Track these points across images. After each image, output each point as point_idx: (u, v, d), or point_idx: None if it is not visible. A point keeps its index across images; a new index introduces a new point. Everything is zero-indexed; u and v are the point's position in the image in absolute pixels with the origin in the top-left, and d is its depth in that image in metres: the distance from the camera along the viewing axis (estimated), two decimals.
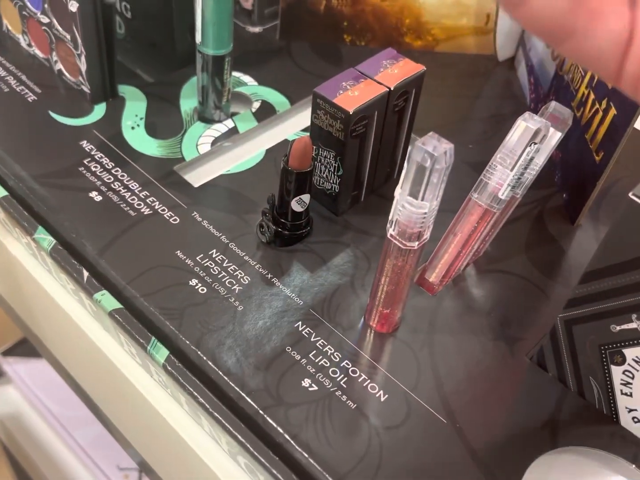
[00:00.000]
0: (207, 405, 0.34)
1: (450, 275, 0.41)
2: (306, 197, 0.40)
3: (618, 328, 0.32)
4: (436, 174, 0.30)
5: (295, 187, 0.39)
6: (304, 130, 0.48)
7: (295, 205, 0.40)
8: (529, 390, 0.36)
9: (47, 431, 0.85)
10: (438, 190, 0.31)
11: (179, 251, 0.40)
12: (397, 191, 0.32)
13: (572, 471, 0.34)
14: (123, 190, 0.43)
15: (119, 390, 0.40)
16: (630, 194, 0.29)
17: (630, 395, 0.33)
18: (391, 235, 0.33)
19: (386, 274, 0.35)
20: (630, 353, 0.32)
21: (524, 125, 0.36)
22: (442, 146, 0.30)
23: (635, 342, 0.32)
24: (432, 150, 0.29)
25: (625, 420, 0.34)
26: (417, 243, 0.33)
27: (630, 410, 0.34)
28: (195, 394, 0.34)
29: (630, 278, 0.30)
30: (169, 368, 0.35)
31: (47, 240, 0.40)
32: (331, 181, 0.42)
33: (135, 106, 0.48)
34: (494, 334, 0.38)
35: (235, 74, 0.52)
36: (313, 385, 0.35)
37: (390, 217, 0.33)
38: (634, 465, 0.33)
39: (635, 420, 0.34)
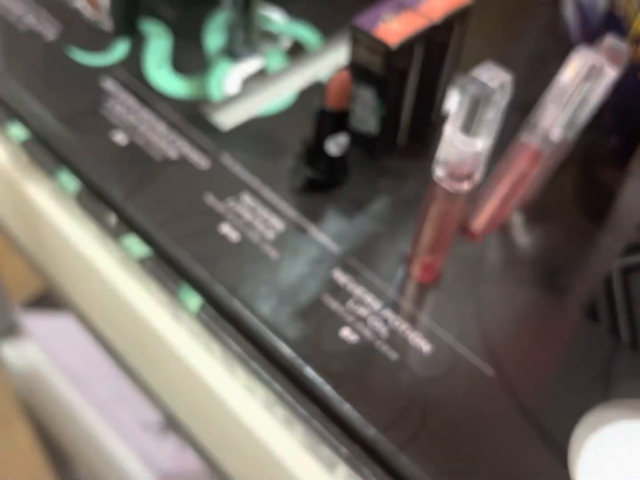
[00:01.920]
0: (244, 354, 0.33)
1: (495, 223, 0.39)
2: (343, 140, 0.37)
3: None
4: (492, 109, 0.28)
5: (332, 128, 0.37)
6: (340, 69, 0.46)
7: (332, 148, 0.37)
8: (580, 343, 0.34)
9: (68, 387, 0.85)
10: (492, 127, 0.29)
11: (209, 196, 0.38)
12: (447, 127, 0.29)
13: (626, 425, 0.32)
14: (149, 133, 0.41)
15: (148, 342, 0.39)
16: None
17: None
18: (438, 176, 0.31)
19: (430, 220, 0.33)
20: None
21: (580, 60, 0.33)
22: (499, 77, 0.27)
23: None
24: (487, 81, 0.27)
25: None
26: (466, 185, 0.31)
27: None
28: (231, 342, 0.33)
29: None
30: (203, 315, 0.33)
31: (72, 183, 0.38)
32: (369, 123, 0.40)
33: (159, 44, 0.46)
34: (542, 284, 0.36)
35: (265, 10, 0.49)
36: (352, 334, 0.33)
37: (437, 156, 0.31)
38: None
39: None
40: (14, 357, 0.88)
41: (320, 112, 0.36)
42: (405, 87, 0.39)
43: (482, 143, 0.29)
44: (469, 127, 0.28)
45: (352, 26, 0.37)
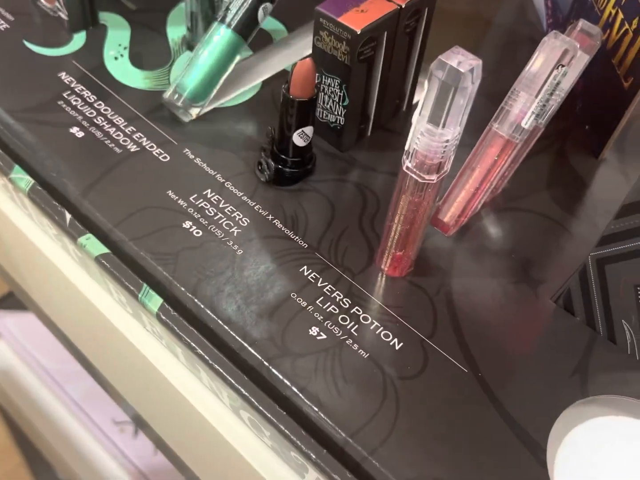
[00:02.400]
0: (205, 356, 0.31)
1: (467, 214, 0.38)
2: (309, 130, 0.36)
3: None
4: (461, 95, 0.27)
5: (297, 118, 0.35)
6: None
7: (298, 140, 0.36)
8: (556, 336, 0.33)
9: (39, 386, 0.83)
10: (462, 115, 0.28)
11: (170, 191, 0.36)
12: (415, 116, 0.28)
13: (604, 422, 0.31)
14: (107, 126, 0.39)
15: (110, 342, 0.37)
16: None
17: None
18: (407, 167, 0.30)
19: (400, 212, 0.32)
20: None
21: (551, 45, 0.32)
22: (468, 62, 0.26)
23: None
24: (457, 66, 0.26)
25: None
26: (436, 176, 0.30)
27: None
28: (193, 344, 0.31)
29: None
30: (163, 317, 0.32)
31: (25, 180, 0.36)
32: (336, 113, 0.38)
33: (118, 35, 0.44)
34: (516, 276, 0.35)
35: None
36: (321, 333, 0.32)
37: (406, 147, 0.29)
38: None
39: None
40: None
41: (284, 102, 0.35)
42: (372, 76, 0.37)
43: (451, 132, 0.28)
44: (438, 115, 0.27)
45: (317, 12, 0.35)
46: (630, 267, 0.30)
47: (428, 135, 0.28)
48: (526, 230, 0.37)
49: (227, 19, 0.39)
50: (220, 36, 0.39)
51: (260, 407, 0.30)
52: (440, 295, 0.34)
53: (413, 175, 0.30)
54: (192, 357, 0.32)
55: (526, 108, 0.34)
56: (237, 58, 0.40)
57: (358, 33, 0.34)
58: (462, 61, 0.26)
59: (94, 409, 0.81)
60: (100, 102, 0.40)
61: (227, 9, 0.39)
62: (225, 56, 0.40)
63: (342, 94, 0.37)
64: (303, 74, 0.34)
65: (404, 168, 0.30)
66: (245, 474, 0.32)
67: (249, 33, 0.40)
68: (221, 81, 0.40)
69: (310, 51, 0.37)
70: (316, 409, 0.29)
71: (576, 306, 0.33)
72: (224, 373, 0.31)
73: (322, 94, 0.38)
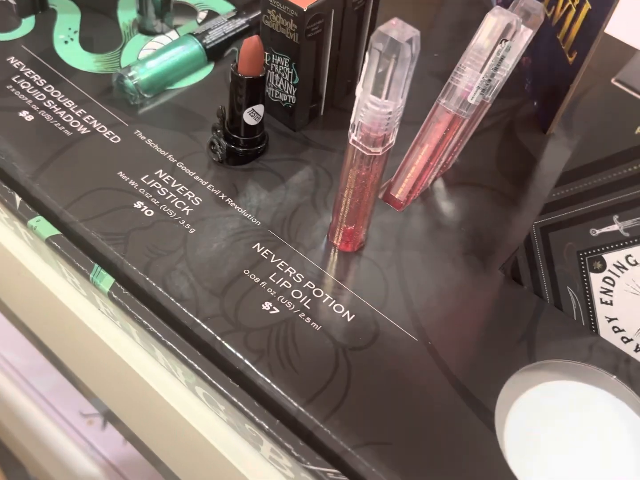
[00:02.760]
0: (158, 334, 0.31)
1: (417, 190, 0.38)
2: (259, 108, 0.36)
3: (598, 232, 0.30)
4: (401, 66, 0.27)
5: (247, 96, 0.35)
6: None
7: (248, 118, 0.36)
8: (503, 305, 0.34)
9: (4, 380, 0.82)
10: (403, 87, 0.28)
11: (121, 172, 0.36)
12: (358, 90, 0.29)
13: (551, 386, 0.32)
14: (57, 109, 0.39)
15: (65, 325, 0.37)
16: (612, 80, 0.26)
17: (611, 303, 0.32)
18: (353, 141, 0.30)
19: (349, 187, 0.32)
20: (610, 258, 0.30)
21: (494, 20, 0.33)
22: (407, 33, 0.26)
23: (617, 245, 0.30)
24: (396, 38, 0.26)
25: (605, 330, 0.33)
26: (381, 148, 0.30)
27: (610, 320, 0.32)
28: (145, 322, 0.31)
29: (611, 175, 0.28)
30: (115, 296, 0.32)
31: None
32: (287, 92, 0.38)
33: (67, 18, 0.44)
34: (465, 248, 0.36)
35: None
36: (274, 308, 0.32)
37: (352, 121, 0.30)
38: (614, 377, 0.32)
39: (616, 330, 0.32)
40: None
41: (234, 80, 0.35)
42: (321, 54, 0.38)
43: (394, 104, 0.28)
44: (379, 87, 0.28)
45: None
46: (572, 233, 0.31)
47: (371, 108, 0.28)
48: (476, 203, 0.38)
49: (204, 41, 0.42)
50: (191, 50, 0.42)
51: (214, 382, 0.30)
52: (392, 269, 0.34)
53: (359, 149, 0.30)
54: (147, 337, 0.32)
55: (472, 83, 0.35)
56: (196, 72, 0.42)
57: (304, 10, 0.34)
58: (401, 33, 0.26)
59: (61, 402, 0.80)
60: (50, 85, 0.40)
61: (207, 32, 0.42)
62: (188, 66, 0.42)
63: (292, 73, 0.37)
64: (250, 51, 0.34)
65: (350, 141, 0.30)
66: (203, 450, 0.33)
67: (215, 57, 0.43)
68: (174, 84, 0.41)
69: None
70: (269, 380, 0.30)
71: (523, 275, 0.34)
72: (177, 349, 0.31)
73: (273, 72, 0.38)
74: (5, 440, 0.86)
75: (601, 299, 0.32)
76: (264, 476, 0.31)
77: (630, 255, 0.30)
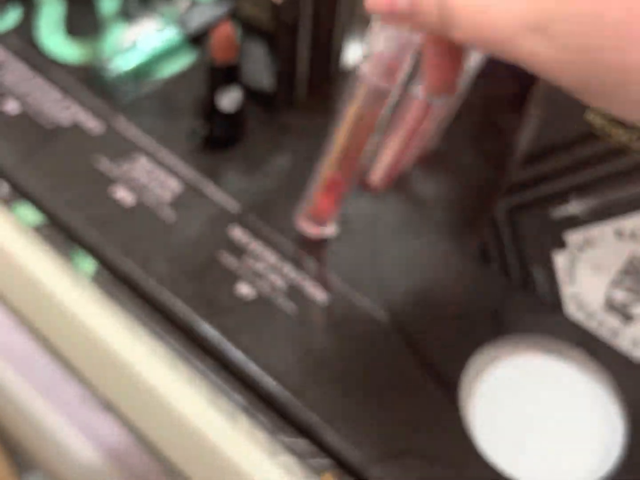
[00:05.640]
0: (142, 315, 0.33)
1: (393, 174, 0.39)
2: (236, 95, 0.37)
3: (558, 212, 0.31)
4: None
5: (221, 83, 0.36)
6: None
7: (225, 104, 0.37)
8: (473, 285, 0.35)
9: (4, 368, 0.84)
10: None
11: (102, 160, 0.37)
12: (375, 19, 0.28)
13: (517, 359, 0.33)
14: (42, 99, 0.40)
15: (51, 309, 0.39)
16: None
17: (574, 281, 0.33)
18: (364, 73, 0.29)
19: (346, 126, 0.31)
20: (571, 237, 0.31)
21: None
22: None
23: (576, 225, 0.31)
24: None
25: (570, 308, 0.34)
26: (392, 83, 0.29)
27: (574, 297, 0.33)
28: (129, 304, 0.33)
29: (567, 157, 0.29)
30: (97, 279, 0.33)
31: None
32: (265, 79, 0.39)
33: (52, 9, 0.45)
34: (439, 228, 0.37)
35: None
36: (250, 289, 0.33)
37: (364, 53, 0.29)
38: (577, 350, 0.33)
39: (580, 306, 0.34)
40: None
41: (209, 67, 0.36)
42: (297, 41, 0.39)
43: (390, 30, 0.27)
44: None
45: None
46: (534, 214, 0.32)
47: (390, 31, 0.28)
48: (452, 186, 0.39)
49: (187, 28, 0.43)
50: (173, 38, 0.42)
51: (193, 359, 0.31)
52: (366, 250, 0.36)
53: (367, 81, 0.29)
54: (131, 317, 0.34)
55: None
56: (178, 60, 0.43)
57: (277, 1, 0.35)
58: None
59: (61, 388, 0.82)
60: (34, 76, 0.41)
61: (189, 18, 0.43)
62: (170, 54, 0.43)
63: (269, 60, 0.38)
64: (222, 38, 0.35)
65: (360, 74, 0.29)
66: (182, 425, 0.34)
67: (197, 43, 0.43)
68: (156, 72, 0.42)
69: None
70: (245, 356, 0.31)
71: (492, 254, 0.35)
72: (159, 330, 0.32)
73: (250, 60, 0.39)
74: (8, 427, 0.88)
75: (564, 277, 0.33)
76: (243, 450, 0.33)
77: (588, 235, 0.31)
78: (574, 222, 0.31)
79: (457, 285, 0.35)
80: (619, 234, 0.30)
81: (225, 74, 0.36)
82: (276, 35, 0.37)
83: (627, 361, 0.33)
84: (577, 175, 0.29)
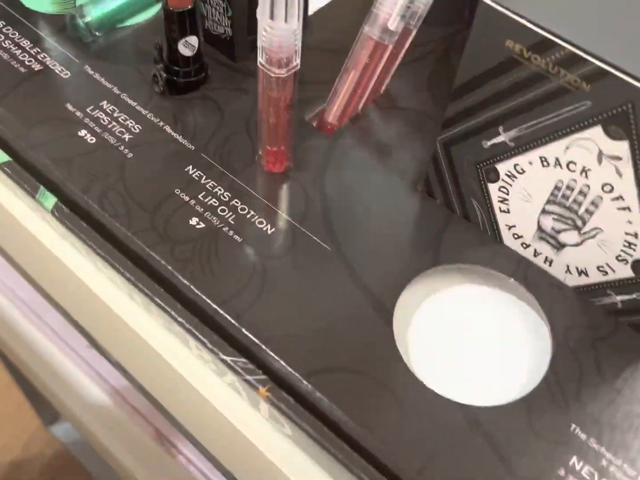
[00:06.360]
0: (98, 248, 0.35)
1: (348, 115, 0.41)
2: (193, 40, 0.39)
3: (489, 143, 0.32)
4: None
5: (179, 29, 0.38)
6: None
7: (183, 50, 0.39)
8: (416, 218, 0.37)
9: (19, 315, 0.88)
10: (298, 9, 0.30)
11: (68, 104, 0.39)
12: (258, 13, 0.31)
13: (452, 288, 0.35)
14: (13, 48, 0.42)
15: (24, 245, 0.41)
16: None
17: (508, 211, 0.34)
18: (260, 63, 0.33)
19: (265, 108, 0.35)
20: (502, 168, 0.33)
21: None
22: None
23: (505, 155, 0.32)
24: None
25: (507, 238, 0.35)
26: (285, 70, 0.33)
27: (510, 227, 0.35)
28: (86, 238, 0.35)
29: (491, 87, 0.30)
30: (58, 215, 0.35)
31: None
32: (223, 24, 0.41)
33: None
34: (388, 167, 0.38)
35: None
36: (201, 223, 0.35)
37: (258, 44, 0.32)
38: (512, 279, 0.35)
39: (516, 236, 0.35)
40: None
41: (165, 13, 0.38)
42: None
43: (286, 26, 0.30)
44: (271, 10, 0.30)
45: None
46: (467, 146, 0.33)
47: (270, 31, 0.31)
48: (403, 127, 0.40)
49: None
50: None
51: (142, 287, 0.34)
52: (316, 187, 0.37)
53: (266, 71, 0.33)
54: (88, 249, 0.36)
55: (391, 10, 0.37)
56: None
57: None
58: None
59: (70, 336, 0.85)
60: (8, 27, 0.43)
61: None
62: (139, 4, 0.44)
63: (225, 5, 0.40)
64: None
65: (258, 64, 0.33)
66: (140, 346, 0.37)
67: None
68: (126, 22, 0.44)
69: None
70: (189, 284, 0.33)
71: (435, 189, 0.37)
72: (113, 261, 0.34)
73: (209, 6, 0.40)
74: (24, 371, 0.92)
75: (500, 208, 0.34)
76: (194, 370, 0.35)
77: (517, 164, 0.32)
78: (504, 152, 0.32)
79: (401, 219, 0.37)
80: (544, 162, 0.31)
81: (181, 20, 0.38)
82: None
83: (558, 288, 0.34)
84: (501, 105, 0.30)
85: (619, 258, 0.31)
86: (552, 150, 0.30)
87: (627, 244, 0.30)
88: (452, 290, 0.35)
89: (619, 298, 0.33)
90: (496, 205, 0.34)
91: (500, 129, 0.31)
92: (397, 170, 0.38)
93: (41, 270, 0.45)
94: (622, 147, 0.27)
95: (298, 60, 0.33)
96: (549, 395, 0.31)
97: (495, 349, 0.33)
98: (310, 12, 0.46)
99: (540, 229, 0.33)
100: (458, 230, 0.36)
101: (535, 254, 0.34)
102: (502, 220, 0.35)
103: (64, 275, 0.39)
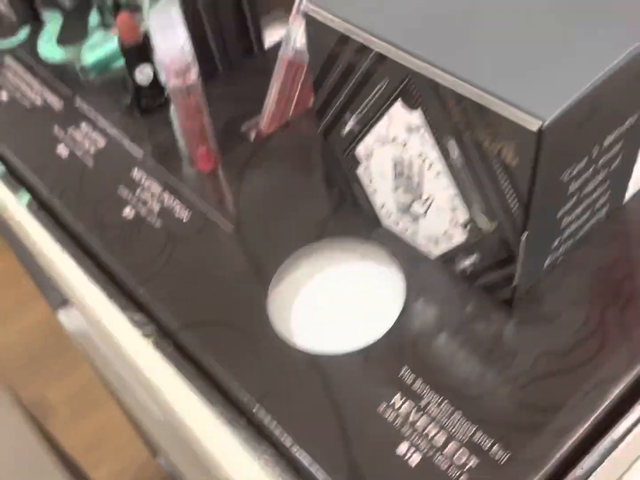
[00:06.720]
0: (59, 236, 0.44)
1: (277, 123, 0.47)
2: (147, 70, 0.47)
3: (344, 131, 0.37)
4: (173, 9, 0.37)
5: (133, 61, 0.47)
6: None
7: (140, 78, 0.47)
8: (314, 204, 0.42)
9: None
10: (179, 27, 0.38)
11: (56, 127, 0.49)
12: (152, 35, 0.39)
13: (328, 259, 0.39)
14: (25, 88, 0.53)
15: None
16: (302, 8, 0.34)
17: (376, 192, 0.38)
18: (164, 78, 0.40)
19: (185, 116, 0.42)
20: (359, 151, 0.37)
21: None
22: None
23: (357, 139, 0.37)
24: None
25: (383, 218, 0.39)
26: (184, 81, 0.40)
27: (383, 206, 0.39)
28: (51, 230, 0.44)
29: (330, 82, 0.35)
30: (31, 209, 0.45)
31: None
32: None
33: (53, 26, 0.58)
34: (301, 164, 0.44)
35: None
36: (131, 212, 0.43)
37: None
38: (383, 251, 0.38)
39: (388, 215, 0.39)
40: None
41: (121, 49, 0.47)
42: (200, 19, 0.48)
43: (169, 41, 0.38)
44: (157, 36, 0.38)
45: None
46: (334, 136, 0.38)
47: (160, 47, 0.38)
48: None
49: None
50: None
51: (89, 269, 0.42)
52: (235, 181, 0.44)
53: (169, 83, 0.40)
54: (51, 239, 0.45)
55: (299, 32, 0.43)
56: None
57: None
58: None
59: None
60: (25, 73, 0.54)
61: None
62: None
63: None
64: (124, 23, 0.45)
65: (163, 79, 0.40)
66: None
67: None
68: (117, 63, 0.53)
69: None
70: (113, 258, 0.40)
71: (331, 178, 0.41)
72: (57, 242, 0.43)
73: None
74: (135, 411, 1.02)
75: (370, 189, 0.39)
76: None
77: (367, 146, 0.36)
78: (354, 138, 0.37)
79: (301, 205, 0.42)
80: (381, 140, 0.35)
81: (135, 53, 0.46)
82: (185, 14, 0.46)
83: (423, 259, 0.38)
84: (341, 91, 0.35)
85: (452, 222, 0.34)
86: (381, 129, 0.34)
87: (452, 208, 0.34)
88: (324, 259, 0.39)
89: (467, 262, 0.36)
90: (367, 186, 0.39)
91: (347, 115, 0.36)
92: (309, 165, 0.44)
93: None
94: (419, 116, 0.32)
95: (195, 74, 0.40)
96: (387, 346, 0.35)
97: (353, 306, 0.37)
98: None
99: (396, 204, 0.37)
100: (348, 214, 0.41)
101: (404, 230, 0.38)
102: (375, 200, 0.39)
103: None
